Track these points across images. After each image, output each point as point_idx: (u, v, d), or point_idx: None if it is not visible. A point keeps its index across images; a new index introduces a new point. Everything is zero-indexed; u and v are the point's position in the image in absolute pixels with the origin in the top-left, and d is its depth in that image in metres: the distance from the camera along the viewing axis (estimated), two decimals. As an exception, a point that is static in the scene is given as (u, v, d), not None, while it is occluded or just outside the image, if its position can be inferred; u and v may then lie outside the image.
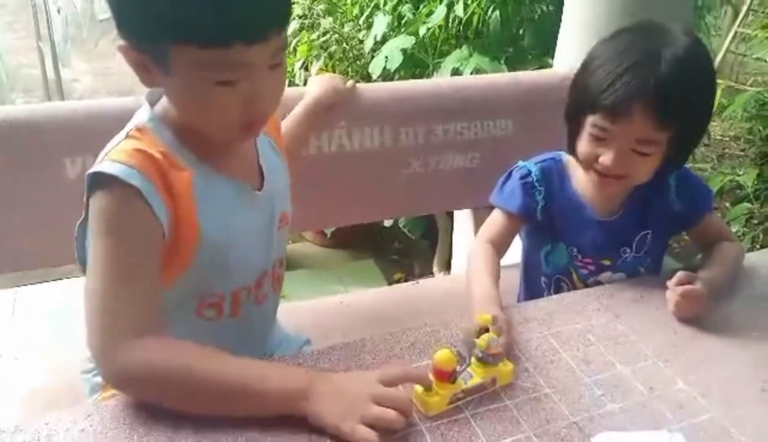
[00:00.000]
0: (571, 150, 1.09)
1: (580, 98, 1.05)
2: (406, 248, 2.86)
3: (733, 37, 4.64)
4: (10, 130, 1.17)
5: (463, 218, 1.70)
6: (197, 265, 0.83)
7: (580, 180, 1.13)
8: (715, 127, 4.20)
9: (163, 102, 0.85)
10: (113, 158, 0.78)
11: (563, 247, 1.15)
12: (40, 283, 1.55)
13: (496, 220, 1.14)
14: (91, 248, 0.78)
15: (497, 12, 2.24)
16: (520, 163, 1.16)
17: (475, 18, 2.33)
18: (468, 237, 1.66)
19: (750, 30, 4.48)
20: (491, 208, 1.19)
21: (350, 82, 1.36)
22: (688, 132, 1.02)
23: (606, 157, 1.01)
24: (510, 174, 1.16)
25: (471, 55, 2.23)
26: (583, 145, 1.05)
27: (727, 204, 2.89)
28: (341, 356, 0.88)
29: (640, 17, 1.43)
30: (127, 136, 0.82)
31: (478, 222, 1.61)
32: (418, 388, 0.79)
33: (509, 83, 1.57)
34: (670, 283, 0.99)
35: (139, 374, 0.74)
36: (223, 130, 0.82)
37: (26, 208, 1.19)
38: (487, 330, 0.83)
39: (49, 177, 1.18)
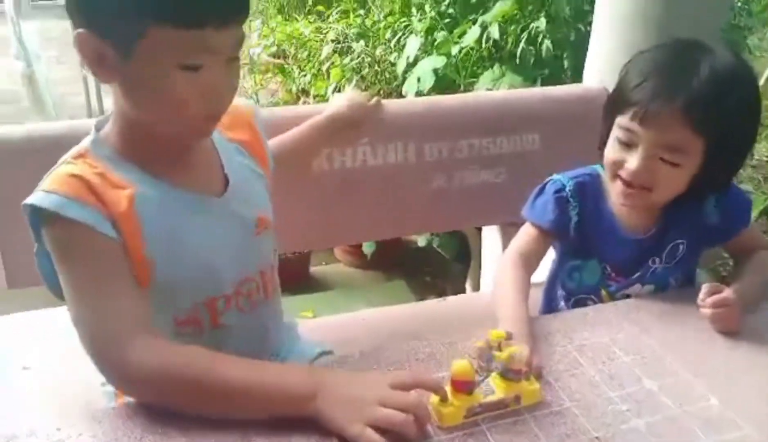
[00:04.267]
0: (601, 157, 1.06)
1: (611, 98, 1.02)
2: (439, 270, 2.83)
3: (778, 58, 4.52)
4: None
5: (491, 236, 1.67)
6: (155, 281, 0.82)
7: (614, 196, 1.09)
8: (761, 149, 4.08)
9: (110, 124, 0.85)
10: (46, 188, 0.78)
11: (596, 263, 1.10)
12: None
13: (527, 234, 1.10)
14: (60, 277, 0.79)
15: (541, 33, 2.19)
16: (555, 176, 1.11)
17: (510, 39, 2.32)
18: (496, 255, 1.63)
19: (796, 51, 4.36)
20: (519, 225, 1.16)
21: (375, 99, 1.36)
22: (725, 147, 0.95)
23: (631, 163, 0.96)
24: (543, 188, 1.11)
25: (504, 75, 2.22)
26: (610, 149, 1.01)
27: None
28: (356, 366, 0.87)
29: (668, 31, 1.41)
30: (64, 163, 0.82)
31: (506, 240, 1.58)
32: (435, 398, 0.77)
33: (536, 97, 1.55)
34: (700, 299, 0.95)
35: (151, 371, 0.74)
36: (181, 124, 0.81)
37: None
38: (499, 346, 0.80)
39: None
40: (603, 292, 1.11)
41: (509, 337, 0.80)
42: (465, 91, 2.28)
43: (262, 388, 0.74)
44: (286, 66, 3.07)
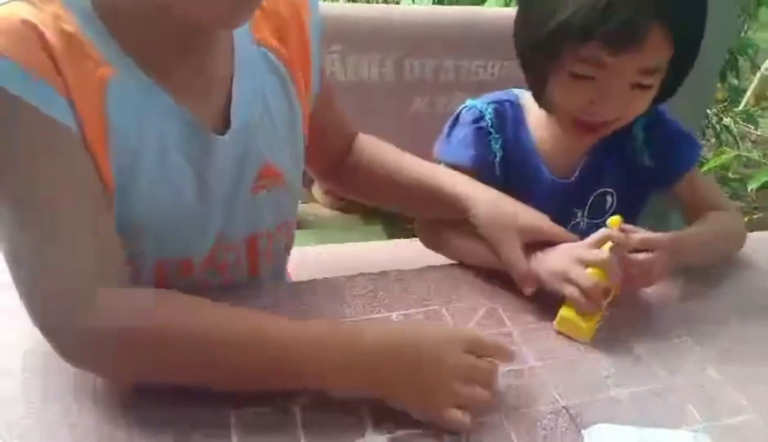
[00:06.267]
0: (539, 98, 0.84)
1: (552, 28, 0.74)
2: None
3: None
4: None
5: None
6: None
7: (537, 128, 0.89)
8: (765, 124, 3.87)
9: None
10: None
11: None
12: None
13: None
14: None
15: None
16: (469, 102, 0.91)
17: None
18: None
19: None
20: None
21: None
22: (690, 51, 0.78)
23: (605, 105, 0.77)
24: (457, 117, 0.91)
25: (513, 2, 2.03)
26: (564, 91, 0.78)
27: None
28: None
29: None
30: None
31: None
32: (568, 312, 0.68)
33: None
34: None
35: (132, 332, 0.53)
36: (204, 3, 0.55)
37: None
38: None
39: None
40: None
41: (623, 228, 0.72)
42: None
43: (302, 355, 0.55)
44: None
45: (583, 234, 0.84)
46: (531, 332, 0.69)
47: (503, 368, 0.61)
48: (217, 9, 0.56)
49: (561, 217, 0.87)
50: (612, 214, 0.79)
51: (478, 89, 1.30)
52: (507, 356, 0.60)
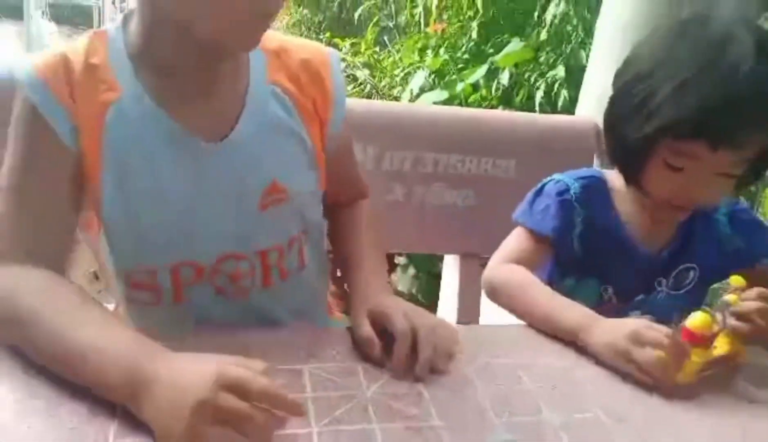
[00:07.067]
0: (635, 183, 0.88)
1: (658, 125, 0.78)
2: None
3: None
4: None
5: (449, 267, 1.49)
6: (106, 221, 0.71)
7: (624, 204, 0.92)
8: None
9: (134, 19, 0.71)
10: (37, 58, 0.69)
11: (594, 284, 0.93)
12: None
13: (521, 243, 0.93)
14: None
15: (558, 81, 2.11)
16: (556, 176, 0.95)
17: (522, 91, 2.24)
18: (453, 290, 1.45)
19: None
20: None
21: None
22: None
23: (695, 193, 0.82)
24: (542, 189, 0.95)
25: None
26: (660, 178, 0.83)
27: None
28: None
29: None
30: (85, 35, 0.72)
31: (465, 272, 1.41)
32: (660, 353, 0.69)
33: (522, 122, 1.39)
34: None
35: None
36: (223, 22, 0.64)
37: None
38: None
39: None
40: None
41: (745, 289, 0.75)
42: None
43: (88, 363, 0.58)
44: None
45: (662, 304, 0.91)
46: (443, 394, 0.66)
47: (401, 424, 0.58)
48: (236, 30, 0.65)
49: (645, 286, 0.94)
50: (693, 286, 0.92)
51: (455, 183, 1.35)
52: (287, 407, 0.55)
